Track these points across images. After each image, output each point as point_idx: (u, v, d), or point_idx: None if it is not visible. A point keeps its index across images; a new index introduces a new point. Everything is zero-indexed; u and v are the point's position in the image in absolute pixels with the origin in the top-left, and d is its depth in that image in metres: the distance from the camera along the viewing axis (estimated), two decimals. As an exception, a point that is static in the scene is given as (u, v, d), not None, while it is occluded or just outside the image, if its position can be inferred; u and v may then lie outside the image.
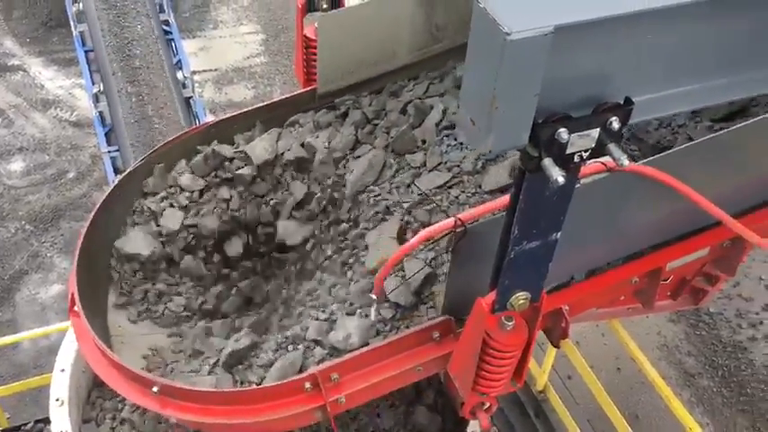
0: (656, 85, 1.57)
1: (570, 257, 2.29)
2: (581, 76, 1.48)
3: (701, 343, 4.61)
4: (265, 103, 3.02)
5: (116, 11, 7.25)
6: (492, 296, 1.91)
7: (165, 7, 7.58)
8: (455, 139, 2.66)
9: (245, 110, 3.01)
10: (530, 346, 2.06)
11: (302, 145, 2.87)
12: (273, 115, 3.00)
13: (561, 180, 1.50)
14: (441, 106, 2.76)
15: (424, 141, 2.74)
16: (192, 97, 7.14)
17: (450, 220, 2.03)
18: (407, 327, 2.28)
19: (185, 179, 2.83)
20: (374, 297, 2.23)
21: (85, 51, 7.14)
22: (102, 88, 6.73)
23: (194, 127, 2.94)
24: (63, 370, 2.96)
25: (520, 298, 1.92)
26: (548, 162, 1.52)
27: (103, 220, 2.66)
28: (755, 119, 2.20)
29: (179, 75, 7.02)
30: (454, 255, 2.07)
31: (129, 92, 6.68)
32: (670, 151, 2.16)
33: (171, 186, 2.82)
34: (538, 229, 1.76)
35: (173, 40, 7.44)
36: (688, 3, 1.42)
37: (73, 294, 2.35)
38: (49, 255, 7.61)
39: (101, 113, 6.72)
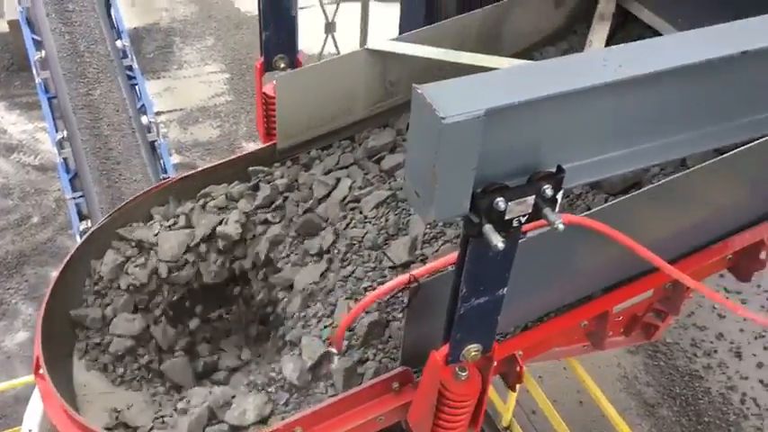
0: (584, 153, 1.71)
1: (521, 305, 2.42)
2: (514, 150, 1.61)
3: (659, 373, 4.76)
4: (227, 159, 3.10)
5: (78, 57, 7.31)
6: (445, 349, 2.01)
7: (128, 52, 7.65)
8: (360, 212, 2.78)
9: (208, 166, 3.09)
10: (484, 394, 2.16)
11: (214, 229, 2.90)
12: (236, 170, 3.09)
13: (501, 246, 1.62)
14: (348, 181, 2.90)
15: (327, 219, 2.86)
16: (156, 141, 7.20)
17: (405, 276, 2.14)
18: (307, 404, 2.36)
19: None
20: (335, 351, 2.32)
21: (48, 98, 7.17)
22: (65, 135, 6.76)
23: (154, 186, 3.00)
24: (30, 431, 2.98)
25: (472, 350, 2.02)
26: (488, 228, 1.63)
27: (65, 284, 2.71)
28: (689, 170, 2.36)
29: (143, 119, 7.08)
30: (409, 309, 2.17)
31: (93, 138, 6.71)
32: (608, 204, 2.31)
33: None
34: (485, 286, 1.87)
35: (136, 84, 7.51)
36: (607, 83, 1.56)
37: (38, 358, 2.40)
38: (13, 301, 7.54)
39: (65, 160, 6.73)
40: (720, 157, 2.27)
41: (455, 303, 1.90)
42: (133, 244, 2.83)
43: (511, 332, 2.49)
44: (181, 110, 11.24)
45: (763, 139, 2.08)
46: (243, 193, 2.92)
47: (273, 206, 2.89)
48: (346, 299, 2.50)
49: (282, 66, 3.01)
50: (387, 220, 2.73)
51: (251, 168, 2.99)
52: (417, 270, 2.17)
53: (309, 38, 10.57)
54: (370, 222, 2.75)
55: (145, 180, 6.63)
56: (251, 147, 9.35)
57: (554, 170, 1.65)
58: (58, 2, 7.61)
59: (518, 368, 2.50)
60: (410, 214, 2.73)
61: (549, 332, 2.49)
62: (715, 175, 2.39)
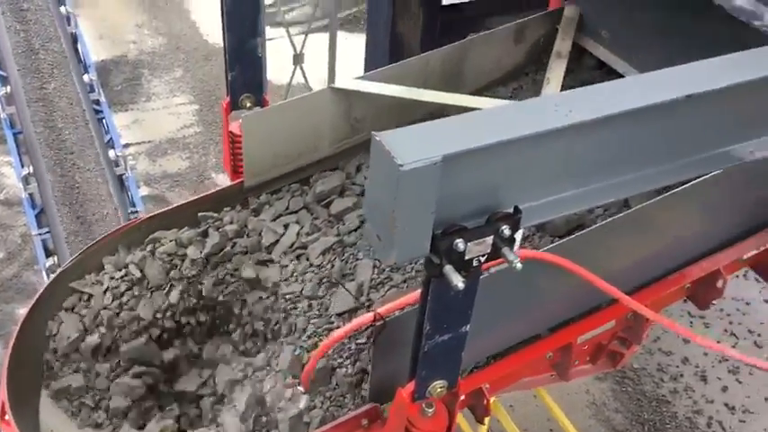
0: (540, 193, 1.76)
1: (486, 340, 2.46)
2: (472, 192, 1.65)
3: (627, 399, 4.82)
4: (196, 197, 3.11)
5: (45, 92, 7.28)
6: (411, 386, 2.04)
7: (95, 86, 7.64)
8: (307, 259, 2.82)
9: (176, 205, 3.10)
10: (451, 428, 2.19)
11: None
12: (204, 208, 3.10)
13: (461, 286, 1.66)
14: (296, 227, 2.93)
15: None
16: (124, 174, 7.17)
17: (370, 315, 2.17)
18: None
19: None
20: (302, 390, 2.33)
21: (14, 134, 7.11)
22: (31, 170, 6.70)
23: (122, 225, 3.00)
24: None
25: (437, 386, 2.05)
26: (448, 269, 1.67)
27: (33, 326, 2.69)
28: (646, 203, 2.44)
29: (111, 153, 7.05)
30: (376, 346, 2.20)
31: (59, 173, 6.66)
32: (567, 239, 2.38)
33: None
34: (448, 323, 1.90)
35: (104, 118, 7.49)
36: (557, 128, 1.62)
37: (3, 403, 2.37)
38: (-23, 339, 7.38)
39: (31, 195, 6.67)
40: (672, 192, 2.35)
41: (419, 341, 1.93)
42: (86, 297, 2.80)
43: (476, 366, 2.52)
44: (149, 142, 11.19)
45: (710, 175, 2.16)
46: (192, 239, 2.89)
47: (222, 253, 2.87)
48: (293, 351, 2.53)
49: (249, 105, 3.05)
50: (333, 266, 2.76)
51: (200, 214, 2.98)
52: (382, 307, 2.20)
53: (278, 69, 10.66)
54: (313, 272, 2.77)
55: (113, 214, 6.59)
56: (220, 178, 9.34)
57: (511, 211, 1.71)
58: (26, 52, 7.56)
59: (485, 401, 2.53)
60: (357, 259, 2.77)
61: (514, 365, 2.53)
62: (670, 209, 2.48)
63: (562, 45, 3.19)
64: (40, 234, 6.47)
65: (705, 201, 2.58)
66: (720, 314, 5.23)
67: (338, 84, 3.02)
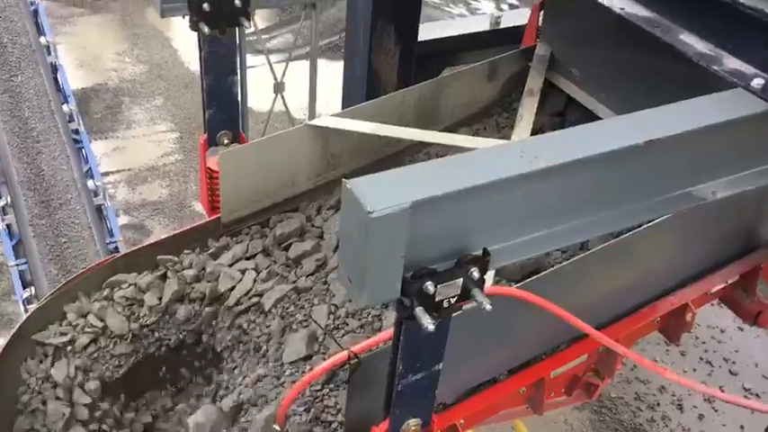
0: (508, 236, 1.81)
1: (460, 376, 2.49)
2: (441, 236, 1.70)
3: (605, 428, 4.85)
4: (173, 233, 3.13)
5: (21, 121, 7.27)
6: (386, 424, 2.06)
7: (75, 116, 7.64)
8: (262, 309, 2.84)
9: (153, 241, 3.11)
10: (425, 466, 2.20)
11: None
12: (179, 244, 3.12)
13: (431, 328, 1.69)
14: (252, 274, 2.94)
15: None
16: (103, 204, 7.15)
17: (344, 353, 2.19)
18: None
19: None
20: (278, 428, 2.34)
21: (-9, 164, 7.08)
22: (9, 201, 6.67)
23: (98, 262, 3.01)
24: None
25: (411, 425, 2.07)
26: (419, 311, 1.71)
27: (6, 363, 2.68)
28: (615, 240, 2.50)
29: (90, 183, 7.04)
30: (350, 385, 2.22)
31: (37, 204, 6.63)
32: (538, 275, 2.42)
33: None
34: (420, 363, 1.93)
35: (82, 148, 7.49)
36: (523, 174, 1.68)
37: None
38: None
39: (8, 226, 6.63)
40: (641, 228, 2.40)
41: (392, 380, 1.96)
42: (50, 352, 2.78)
43: (451, 403, 2.55)
44: (129, 170, 11.18)
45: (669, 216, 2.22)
46: (150, 284, 2.89)
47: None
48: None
49: (226, 142, 3.08)
50: (287, 314, 2.78)
51: (159, 257, 2.98)
52: (357, 346, 2.22)
53: (259, 96, 10.75)
54: (264, 323, 2.79)
55: (91, 245, 6.56)
56: (201, 206, 9.34)
57: (480, 253, 1.75)
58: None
59: (460, 437, 2.55)
60: (313, 305, 2.79)
61: (487, 400, 2.56)
62: (639, 245, 2.54)
63: (534, 82, 3.27)
64: (17, 265, 6.42)
65: (673, 237, 2.65)
66: (696, 342, 5.31)
67: (315, 121, 3.07)
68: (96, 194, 7.09)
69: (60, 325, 2.84)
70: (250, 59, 10.31)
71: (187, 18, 2.70)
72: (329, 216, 3.09)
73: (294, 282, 2.89)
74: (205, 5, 2.65)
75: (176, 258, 3.01)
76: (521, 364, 2.67)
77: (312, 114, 9.21)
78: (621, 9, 2.33)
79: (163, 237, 3.11)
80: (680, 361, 5.14)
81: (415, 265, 1.69)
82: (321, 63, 9.56)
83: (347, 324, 2.67)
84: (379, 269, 1.62)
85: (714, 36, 2.13)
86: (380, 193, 1.56)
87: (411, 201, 1.56)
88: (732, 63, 2.07)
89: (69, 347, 2.78)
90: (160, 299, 2.88)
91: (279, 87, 9.11)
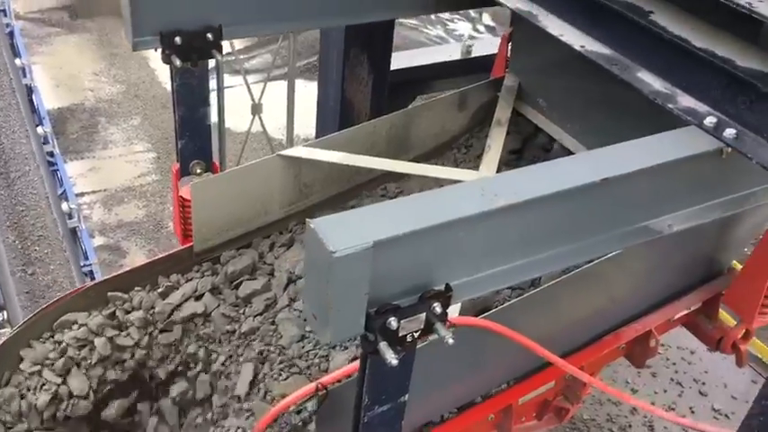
0: (469, 271, 1.86)
1: (427, 404, 2.53)
2: (404, 273, 1.74)
3: (577, 449, 4.90)
4: (146, 262, 3.14)
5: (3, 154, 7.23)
6: (354, 455, 2.09)
7: (50, 138, 7.62)
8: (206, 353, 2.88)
9: (126, 270, 3.13)
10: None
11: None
12: (154, 271, 3.13)
13: (395, 362, 1.73)
14: (201, 308, 2.95)
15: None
16: (77, 227, 7.12)
17: (312, 385, 2.22)
18: None
19: None
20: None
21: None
22: (-19, 225, 6.61)
23: (70, 292, 3.01)
24: None
25: (379, 454, 2.10)
26: (383, 346, 1.75)
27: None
28: (579, 270, 2.56)
29: (64, 205, 7.01)
30: (319, 417, 2.25)
31: (10, 228, 6.58)
32: (504, 305, 2.48)
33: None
34: (386, 395, 1.97)
35: (57, 170, 7.46)
36: (483, 212, 1.73)
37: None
38: None
39: (-20, 251, 6.56)
40: (603, 258, 2.46)
41: (359, 412, 1.99)
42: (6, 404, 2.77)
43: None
44: (105, 190, 11.12)
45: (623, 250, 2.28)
46: (101, 326, 2.89)
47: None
48: None
49: (199, 171, 3.11)
50: (234, 353, 2.80)
51: (109, 294, 2.98)
52: (325, 377, 2.26)
53: (237, 116, 10.78)
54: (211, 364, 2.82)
55: (65, 270, 6.52)
56: (177, 228, 9.30)
57: (443, 288, 1.80)
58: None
59: (428, 465, 2.58)
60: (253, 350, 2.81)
61: (455, 428, 2.60)
62: (602, 274, 2.61)
63: (502, 113, 3.35)
64: (-11, 290, 6.36)
65: (635, 266, 2.72)
66: (666, 363, 5.37)
67: (287, 151, 3.11)
68: (71, 217, 7.05)
69: (15, 373, 2.82)
70: (228, 80, 10.34)
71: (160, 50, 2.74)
72: (281, 254, 3.11)
73: (239, 321, 2.90)
74: (177, 39, 2.69)
75: (126, 296, 3.00)
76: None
77: (290, 135, 9.27)
78: (582, 47, 2.40)
79: (118, 273, 3.11)
80: (651, 382, 5.20)
81: (379, 301, 1.73)
82: (299, 83, 9.63)
83: (295, 365, 2.69)
84: (343, 306, 1.66)
85: (669, 75, 2.20)
86: (343, 232, 1.60)
87: (373, 240, 1.60)
88: (686, 101, 2.14)
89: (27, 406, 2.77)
90: (110, 347, 2.89)
91: (256, 109, 9.17)
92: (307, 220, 1.64)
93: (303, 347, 2.75)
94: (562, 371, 2.75)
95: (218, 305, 2.97)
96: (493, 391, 2.76)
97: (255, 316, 2.91)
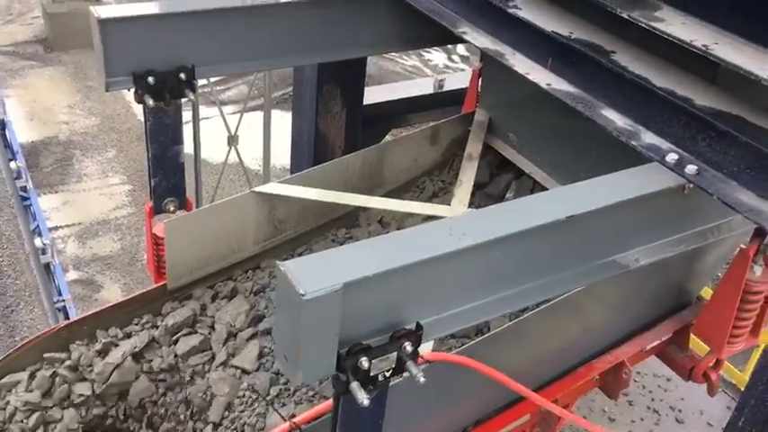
0: (439, 309, 1.88)
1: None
2: (374, 313, 1.75)
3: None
4: (118, 301, 3.12)
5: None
6: (328, 493, 2.07)
7: (23, 173, 7.55)
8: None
9: (98, 309, 3.10)
10: None
11: None
12: (126, 311, 3.11)
13: (366, 402, 1.74)
14: (138, 366, 2.91)
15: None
16: (51, 263, 7.03)
17: (286, 425, 2.21)
18: None
19: None
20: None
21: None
22: (-48, 261, 6.50)
23: (42, 333, 2.98)
24: None
25: (354, 494, 2.09)
26: (354, 386, 1.75)
27: None
28: (551, 303, 2.59)
29: (37, 241, 6.93)
30: (293, 456, 2.24)
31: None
32: (477, 339, 2.50)
33: None
34: (360, 432, 1.97)
35: (30, 205, 7.38)
36: (452, 251, 1.75)
37: None
38: None
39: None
40: (570, 293, 2.49)
41: (333, 451, 1.99)
42: None
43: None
44: (80, 224, 10.99)
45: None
46: (41, 387, 2.81)
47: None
48: None
49: (172, 209, 3.11)
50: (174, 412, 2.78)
51: (46, 354, 2.91)
52: (299, 416, 2.25)
53: (213, 147, 10.76)
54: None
55: (41, 313, 6.43)
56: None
57: (413, 327, 1.82)
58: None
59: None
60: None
61: (432, 464, 2.59)
62: (568, 311, 2.64)
63: (473, 147, 3.40)
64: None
65: (607, 297, 2.76)
66: (643, 391, 5.42)
67: (260, 188, 3.13)
68: (44, 252, 6.97)
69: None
70: (203, 111, 10.35)
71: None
72: (222, 306, 3.08)
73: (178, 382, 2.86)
74: (150, 79, 2.70)
75: (63, 356, 2.92)
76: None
77: (267, 166, 9.29)
78: (548, 85, 2.46)
79: (134, 294, 3.06)
80: (628, 411, 5.24)
81: (350, 342, 1.74)
82: (275, 114, 9.66)
83: (253, 407, 2.67)
84: (314, 347, 1.66)
85: (632, 112, 2.26)
86: (313, 274, 1.61)
87: (343, 282, 1.61)
88: (649, 138, 2.19)
89: None
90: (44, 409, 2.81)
91: (233, 140, 9.18)
92: (276, 262, 1.65)
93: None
94: (535, 405, 2.77)
95: (158, 362, 2.90)
96: (468, 428, 2.77)
97: (191, 377, 2.88)
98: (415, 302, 1.81)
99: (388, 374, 1.82)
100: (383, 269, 1.68)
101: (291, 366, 1.71)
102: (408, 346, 1.80)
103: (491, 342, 2.49)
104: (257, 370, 2.82)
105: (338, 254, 1.74)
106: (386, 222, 3.41)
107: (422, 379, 1.81)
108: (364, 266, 1.67)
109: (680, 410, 5.32)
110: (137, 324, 3.04)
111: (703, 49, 1.94)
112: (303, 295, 1.57)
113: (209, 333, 2.98)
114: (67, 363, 2.89)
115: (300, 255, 3.32)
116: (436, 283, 1.81)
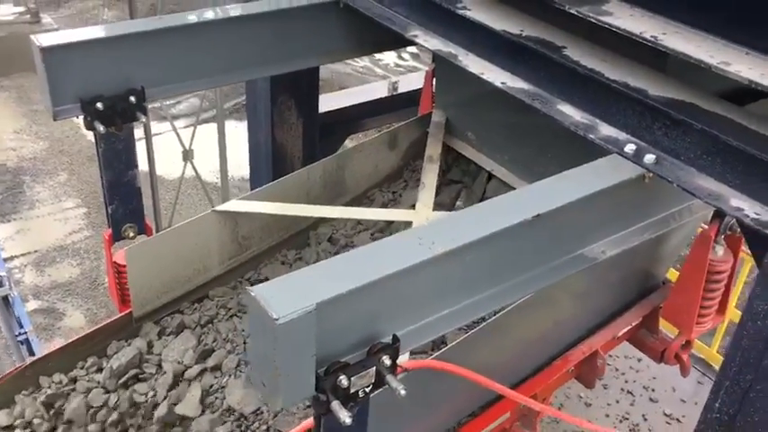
0: (414, 319, 1.87)
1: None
2: (350, 329, 1.74)
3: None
4: (83, 335, 3.03)
5: None
6: None
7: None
8: None
9: (63, 344, 3.01)
10: None
11: None
12: (94, 342, 3.03)
13: (348, 421, 1.72)
14: (82, 398, 2.78)
15: None
16: (9, 294, 6.82)
17: (268, 447, 2.18)
18: None
19: None
20: None
21: None
22: None
23: (10, 371, 2.88)
24: None
25: None
26: (335, 405, 1.73)
27: None
28: (519, 302, 2.60)
29: (-7, 275, 6.72)
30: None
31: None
32: (452, 344, 2.49)
33: None
34: (344, 450, 1.94)
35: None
36: (423, 261, 1.74)
37: None
38: None
39: None
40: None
41: (317, 471, 1.96)
42: None
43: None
44: (36, 251, 10.72)
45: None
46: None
47: None
48: None
49: (132, 235, 3.04)
50: None
51: (17, 396, 2.80)
52: (281, 437, 2.22)
53: (168, 163, 10.58)
54: None
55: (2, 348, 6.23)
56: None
57: (390, 340, 1.80)
58: None
59: None
60: None
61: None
62: (539, 306, 2.66)
63: (433, 149, 3.40)
64: None
65: (576, 288, 2.78)
66: (616, 374, 5.50)
67: (221, 207, 3.08)
68: (1, 284, 6.76)
69: None
70: (155, 126, 10.17)
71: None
72: (169, 342, 2.98)
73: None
74: (99, 105, 2.63)
75: (6, 410, 2.78)
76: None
77: (224, 178, 9.17)
78: (503, 83, 2.47)
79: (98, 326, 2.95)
80: (603, 395, 5.31)
81: (327, 360, 1.72)
82: (229, 125, 9.54)
83: None
84: (292, 371, 1.64)
85: (588, 106, 2.28)
86: (284, 297, 1.58)
87: (316, 302, 1.59)
88: (606, 130, 2.21)
89: None
90: None
91: (188, 155, 9.04)
92: (246, 287, 1.62)
93: None
94: (514, 403, 2.78)
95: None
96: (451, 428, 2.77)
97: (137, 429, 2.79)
98: (391, 315, 1.80)
99: (368, 390, 1.80)
100: (356, 285, 1.66)
101: (270, 392, 1.68)
102: (387, 360, 1.78)
103: (467, 344, 2.49)
104: (201, 414, 2.73)
105: (308, 273, 1.71)
106: (335, 239, 3.37)
107: (402, 392, 1.79)
108: (336, 284, 1.65)
109: (653, 389, 5.41)
110: (81, 368, 2.91)
111: (653, 40, 1.97)
112: (276, 319, 1.54)
113: (157, 373, 2.87)
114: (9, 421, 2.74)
115: (249, 281, 3.25)
116: (410, 294, 1.80)
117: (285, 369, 1.62)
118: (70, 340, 3.02)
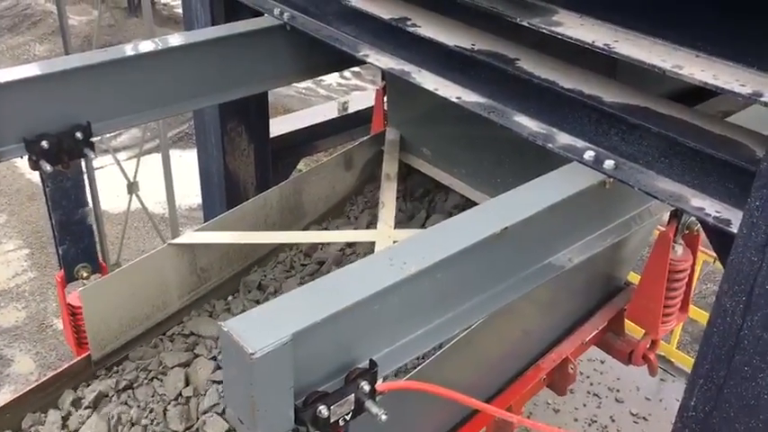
0: (391, 340, 1.83)
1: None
2: (327, 357, 1.69)
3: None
4: (38, 383, 2.89)
5: None
6: None
7: None
8: None
9: (20, 394, 2.86)
10: None
11: None
12: (50, 391, 2.89)
13: (331, 452, 1.67)
14: None
15: None
16: (-48, 346, 6.51)
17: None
18: None
19: None
20: None
21: None
22: None
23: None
24: None
25: None
26: (315, 436, 1.68)
27: None
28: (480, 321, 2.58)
29: (-66, 326, 6.40)
30: None
31: None
32: (423, 363, 2.47)
33: None
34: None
35: None
36: (396, 282, 1.72)
37: None
38: None
39: None
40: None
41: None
42: None
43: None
44: (-23, 298, 10.31)
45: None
46: None
47: None
48: None
49: (85, 275, 2.93)
50: None
51: None
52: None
53: (113, 197, 10.31)
54: None
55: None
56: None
57: (367, 365, 1.76)
58: None
59: None
60: None
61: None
62: (507, 318, 2.66)
63: (389, 167, 3.38)
64: None
65: (542, 297, 2.80)
66: (581, 377, 5.56)
67: (178, 239, 2.99)
68: (-57, 337, 6.45)
69: None
70: (97, 160, 9.91)
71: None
72: (86, 418, 2.76)
73: None
74: (44, 143, 2.54)
75: None
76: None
77: (172, 209, 8.98)
78: (458, 98, 2.47)
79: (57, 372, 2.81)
80: (570, 399, 5.36)
81: (305, 391, 1.67)
82: (173, 154, 9.36)
83: None
84: (269, 405, 1.58)
85: (544, 116, 2.29)
86: (258, 330, 1.54)
87: (291, 333, 1.54)
88: (564, 139, 2.23)
89: None
90: None
91: (132, 187, 8.83)
92: (219, 323, 1.56)
93: None
94: (490, 416, 2.77)
95: None
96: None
97: None
98: (366, 339, 1.76)
99: (348, 418, 1.76)
100: (330, 312, 1.62)
101: (248, 428, 1.62)
102: (365, 386, 1.74)
103: (440, 362, 2.46)
104: None
105: (281, 303, 1.67)
106: (265, 286, 3.23)
107: (383, 417, 1.75)
108: (310, 313, 1.61)
109: (618, 390, 5.49)
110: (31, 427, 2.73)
111: (606, 48, 1.99)
112: (252, 354, 1.49)
113: None
114: None
115: (171, 337, 3.08)
116: (385, 316, 1.77)
117: (262, 403, 1.57)
118: (18, 394, 2.86)
